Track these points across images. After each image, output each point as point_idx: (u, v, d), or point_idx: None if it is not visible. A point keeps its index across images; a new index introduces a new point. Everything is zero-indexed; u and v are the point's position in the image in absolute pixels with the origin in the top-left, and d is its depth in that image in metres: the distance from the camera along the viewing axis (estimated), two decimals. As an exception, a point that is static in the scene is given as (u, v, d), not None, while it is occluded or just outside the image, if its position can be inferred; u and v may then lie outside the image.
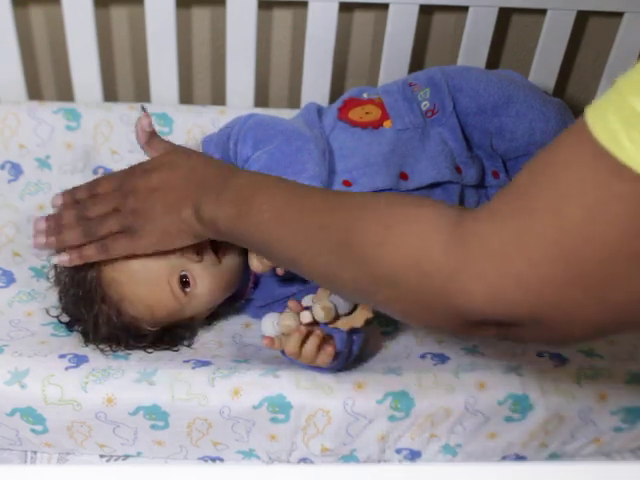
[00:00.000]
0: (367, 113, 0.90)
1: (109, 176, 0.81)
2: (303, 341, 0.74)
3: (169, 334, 0.84)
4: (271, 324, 0.75)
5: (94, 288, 0.80)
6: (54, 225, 0.80)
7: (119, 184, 0.77)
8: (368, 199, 0.62)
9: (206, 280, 0.81)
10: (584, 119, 0.45)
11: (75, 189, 0.82)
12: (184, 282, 0.81)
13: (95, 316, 0.80)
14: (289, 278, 0.84)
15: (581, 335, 0.52)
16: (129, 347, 0.82)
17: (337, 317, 0.75)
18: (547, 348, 0.84)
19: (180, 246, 0.75)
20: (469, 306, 0.49)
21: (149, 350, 0.82)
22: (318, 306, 0.74)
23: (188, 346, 0.85)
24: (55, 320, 0.86)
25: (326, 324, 0.75)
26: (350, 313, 0.76)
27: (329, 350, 0.75)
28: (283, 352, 0.76)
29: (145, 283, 0.79)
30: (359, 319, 0.75)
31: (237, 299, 0.88)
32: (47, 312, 0.86)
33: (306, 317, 0.74)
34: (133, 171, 0.78)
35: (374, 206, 0.59)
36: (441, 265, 0.50)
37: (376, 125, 0.88)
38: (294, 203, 0.64)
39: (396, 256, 0.53)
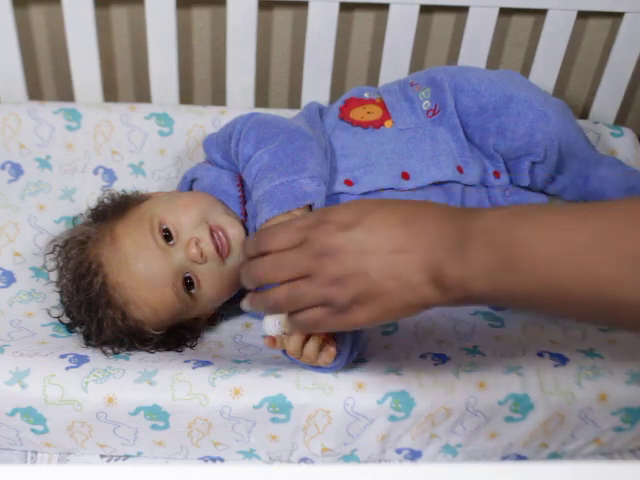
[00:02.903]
0: (368, 113, 0.90)
1: (285, 227, 0.62)
2: (304, 341, 0.74)
3: (173, 336, 0.84)
4: (273, 324, 0.75)
5: (99, 293, 0.80)
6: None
7: (303, 238, 0.60)
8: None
9: (210, 281, 0.81)
10: None
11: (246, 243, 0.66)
12: (189, 283, 0.81)
13: (100, 320, 0.80)
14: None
15: None
16: (132, 349, 0.82)
17: None
18: (548, 348, 0.84)
19: (401, 319, 0.59)
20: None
21: (152, 351, 0.83)
22: None
23: (191, 347, 0.85)
24: (55, 320, 0.86)
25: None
26: None
27: (330, 350, 0.75)
28: (284, 352, 0.76)
29: (150, 286, 0.79)
30: None
31: (240, 299, 0.88)
32: (48, 313, 0.86)
33: None
34: (321, 221, 0.59)
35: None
36: None
37: (377, 125, 0.89)
38: (584, 225, 0.49)
39: None
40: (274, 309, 0.62)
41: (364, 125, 0.89)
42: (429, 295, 0.55)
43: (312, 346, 0.74)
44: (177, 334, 0.85)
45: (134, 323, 0.81)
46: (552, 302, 0.51)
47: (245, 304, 0.66)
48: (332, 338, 0.76)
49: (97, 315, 0.80)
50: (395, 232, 0.55)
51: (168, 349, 0.84)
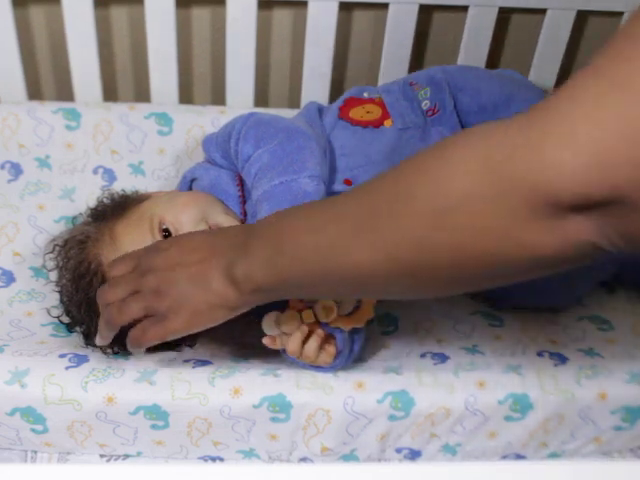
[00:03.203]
0: (368, 112, 0.90)
1: (123, 257, 0.72)
2: (304, 340, 0.74)
3: None
4: (272, 323, 0.75)
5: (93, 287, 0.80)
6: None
7: (135, 264, 0.69)
8: (408, 159, 0.55)
9: None
10: None
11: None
12: None
13: (98, 316, 0.80)
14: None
15: None
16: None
17: (338, 316, 0.75)
18: (548, 348, 0.84)
19: (214, 324, 0.65)
20: (563, 176, 0.42)
21: (150, 350, 0.82)
22: (320, 305, 0.74)
23: (190, 346, 0.85)
24: (55, 320, 0.86)
25: (327, 323, 0.75)
26: (351, 313, 0.76)
27: (330, 350, 0.75)
28: (284, 351, 0.76)
29: None
30: (361, 318, 0.75)
31: None
32: (48, 312, 0.86)
33: (308, 316, 0.74)
34: (149, 249, 0.70)
35: (416, 157, 0.53)
36: (514, 144, 0.44)
37: (377, 124, 0.89)
38: (329, 209, 0.57)
39: (458, 172, 0.47)
40: (110, 323, 0.69)
41: (363, 124, 0.89)
42: (226, 293, 0.61)
43: (312, 345, 0.74)
44: None
45: (132, 323, 0.80)
46: (313, 281, 0.57)
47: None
48: (332, 338, 0.76)
49: (97, 314, 0.80)
50: (199, 245, 0.65)
51: (167, 349, 0.83)
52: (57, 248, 0.87)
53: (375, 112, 0.90)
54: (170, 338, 0.66)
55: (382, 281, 0.55)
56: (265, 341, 0.76)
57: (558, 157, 0.42)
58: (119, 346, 0.82)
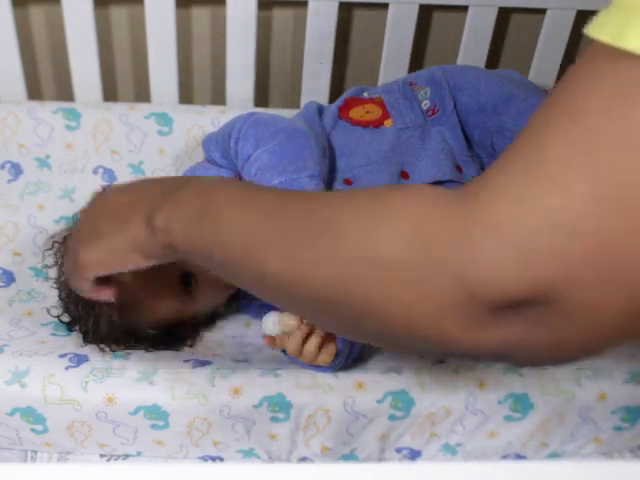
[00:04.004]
0: (368, 112, 0.90)
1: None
2: (304, 340, 0.74)
3: (172, 335, 0.84)
4: (272, 323, 0.75)
5: None
6: None
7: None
8: (352, 192, 0.53)
9: (209, 278, 0.81)
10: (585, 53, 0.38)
11: None
12: (187, 281, 0.81)
13: (96, 317, 0.80)
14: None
15: (624, 311, 0.38)
16: (130, 347, 0.82)
17: None
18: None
19: (126, 268, 0.62)
20: (488, 271, 0.38)
21: (150, 349, 0.82)
22: None
23: (190, 346, 0.85)
24: (55, 320, 0.86)
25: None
26: None
27: (330, 349, 0.75)
28: (284, 351, 0.76)
29: (147, 282, 0.79)
30: None
31: (239, 297, 0.88)
32: (48, 312, 0.86)
33: None
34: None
35: (359, 196, 0.50)
36: (446, 227, 0.41)
37: (377, 124, 0.89)
38: (273, 207, 0.52)
39: (391, 234, 0.43)
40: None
41: (363, 124, 0.89)
42: (142, 239, 0.58)
43: (312, 345, 0.74)
44: (175, 333, 0.85)
45: (129, 320, 0.80)
46: (222, 262, 0.53)
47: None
48: (332, 337, 0.76)
49: (93, 311, 0.80)
50: (133, 188, 0.63)
51: (167, 348, 0.83)
52: (56, 245, 0.87)
53: (375, 112, 0.90)
54: (85, 272, 0.64)
55: (283, 296, 0.52)
56: (265, 341, 0.76)
57: (481, 250, 0.39)
58: (116, 344, 0.82)
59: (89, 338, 0.82)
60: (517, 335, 0.40)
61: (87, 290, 0.66)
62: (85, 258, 0.63)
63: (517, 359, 0.43)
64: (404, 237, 0.42)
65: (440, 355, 0.47)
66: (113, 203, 0.63)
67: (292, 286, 0.49)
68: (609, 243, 0.36)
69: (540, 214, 0.37)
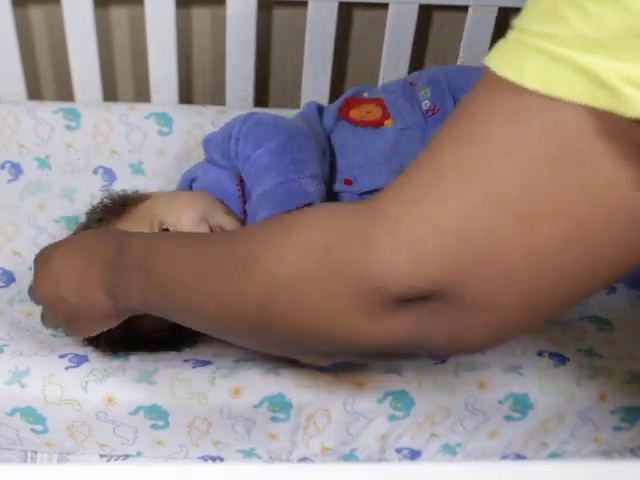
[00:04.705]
0: (368, 112, 0.90)
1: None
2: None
3: (173, 336, 0.84)
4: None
5: None
6: None
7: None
8: (261, 222, 0.60)
9: None
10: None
11: None
12: None
13: None
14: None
15: (512, 306, 0.43)
16: (132, 350, 0.82)
17: None
18: (548, 347, 0.84)
19: (109, 328, 0.69)
20: (386, 269, 0.43)
21: (152, 351, 0.82)
22: None
23: (191, 347, 0.85)
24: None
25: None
26: None
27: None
28: (283, 351, 0.76)
29: None
30: None
31: None
32: None
33: None
34: (37, 264, 0.73)
35: (268, 224, 0.55)
36: (349, 234, 0.45)
37: (377, 124, 0.89)
38: (188, 246, 0.59)
39: (299, 247, 0.48)
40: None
41: (363, 124, 0.89)
42: (108, 308, 0.65)
43: (312, 345, 0.74)
44: (177, 334, 0.85)
45: (132, 323, 0.80)
46: (177, 313, 0.60)
47: None
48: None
49: None
50: (79, 261, 0.67)
51: (168, 349, 0.84)
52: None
53: (375, 112, 0.90)
54: (75, 338, 0.74)
55: (229, 334, 0.58)
56: (265, 341, 0.76)
57: (379, 251, 0.43)
58: (118, 346, 0.82)
59: (93, 343, 0.81)
60: (419, 325, 0.45)
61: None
62: (70, 333, 0.72)
63: (429, 350, 0.47)
64: (311, 249, 0.47)
65: (359, 355, 0.53)
66: (71, 270, 0.67)
67: (228, 320, 0.54)
68: (496, 247, 0.41)
69: (433, 220, 0.42)
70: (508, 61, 0.40)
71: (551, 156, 0.39)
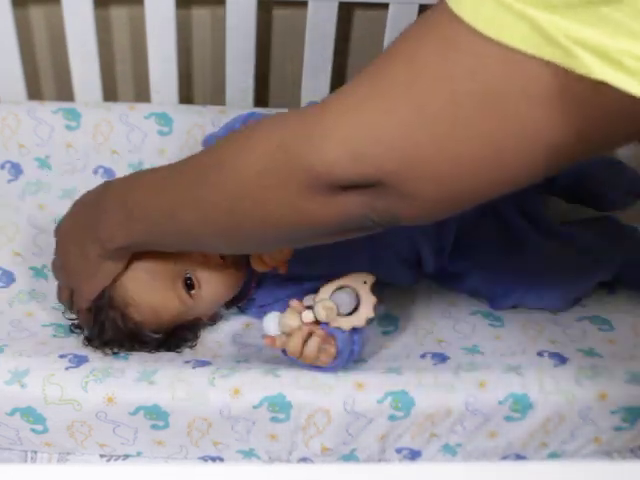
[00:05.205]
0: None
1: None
2: (305, 341, 0.74)
3: (174, 337, 0.84)
4: (273, 323, 0.75)
5: (102, 294, 0.80)
6: None
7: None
8: (224, 137, 0.68)
9: (211, 281, 0.81)
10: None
11: None
12: (189, 284, 0.81)
13: (102, 323, 0.80)
14: (291, 277, 0.84)
15: (436, 198, 0.53)
16: (133, 350, 0.82)
17: (338, 316, 0.75)
18: (548, 348, 0.84)
19: (111, 278, 0.78)
20: (329, 164, 0.52)
21: (152, 352, 0.82)
22: (320, 306, 0.74)
23: (191, 348, 0.85)
24: (56, 321, 0.86)
25: (327, 324, 0.75)
26: (352, 313, 0.76)
27: (330, 350, 0.75)
28: (284, 352, 0.76)
29: (150, 287, 0.79)
30: (361, 319, 0.75)
31: (240, 299, 0.88)
32: (71, 330, 0.85)
33: (308, 317, 0.74)
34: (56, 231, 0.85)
35: (231, 136, 0.65)
36: (300, 134, 0.54)
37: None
38: (166, 176, 0.68)
39: (259, 149, 0.57)
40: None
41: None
42: (101, 256, 0.75)
43: (312, 346, 0.74)
44: (177, 335, 0.85)
45: (133, 325, 0.80)
46: (162, 239, 0.71)
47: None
48: (332, 338, 0.76)
49: (99, 318, 0.80)
50: (76, 226, 0.79)
51: (168, 350, 0.84)
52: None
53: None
54: (88, 302, 0.80)
55: (208, 239, 0.67)
56: (265, 341, 0.76)
57: (325, 147, 0.52)
58: (119, 347, 0.82)
59: (94, 343, 0.81)
60: (363, 205, 0.55)
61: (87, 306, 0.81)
62: (83, 295, 0.80)
63: (372, 223, 0.57)
64: (269, 150, 0.57)
65: (317, 235, 0.63)
66: (70, 234, 0.80)
67: (208, 227, 0.64)
68: (421, 157, 0.50)
69: (369, 125, 0.51)
70: (467, 1, 0.45)
71: (473, 92, 0.46)
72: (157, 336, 0.82)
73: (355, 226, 0.59)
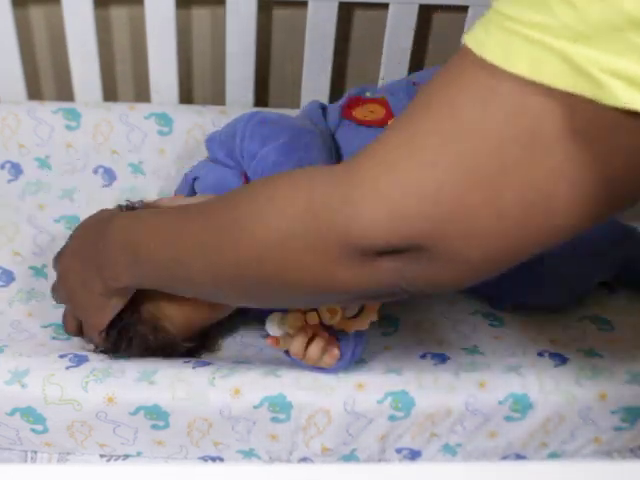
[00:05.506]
0: (371, 112, 0.90)
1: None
2: (308, 342, 0.74)
3: (201, 343, 0.83)
4: (276, 324, 0.75)
5: (130, 312, 0.78)
6: None
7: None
8: (242, 188, 0.65)
9: None
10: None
11: None
12: None
13: (130, 338, 0.79)
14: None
15: (480, 259, 0.48)
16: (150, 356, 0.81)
17: (342, 319, 0.75)
18: (548, 348, 0.84)
19: (115, 312, 0.76)
20: (368, 227, 0.48)
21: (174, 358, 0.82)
22: (324, 308, 0.74)
23: (212, 351, 0.84)
24: (55, 321, 0.86)
25: (331, 326, 0.75)
26: (355, 315, 0.76)
27: (333, 352, 0.75)
28: (286, 352, 0.76)
29: (181, 298, 0.76)
30: (364, 321, 0.75)
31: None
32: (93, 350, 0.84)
33: (312, 318, 0.74)
34: (56, 258, 0.82)
35: (251, 191, 0.59)
36: (331, 196, 0.50)
37: (381, 124, 0.89)
38: (172, 221, 0.64)
39: (284, 212, 0.53)
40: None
41: (367, 124, 0.89)
42: (107, 293, 0.73)
43: (316, 348, 0.74)
44: (204, 340, 0.84)
45: (165, 337, 0.79)
46: (168, 285, 0.67)
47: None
48: (335, 340, 0.76)
49: (127, 335, 0.79)
50: (76, 260, 0.76)
51: (191, 355, 0.82)
52: None
53: (378, 112, 0.90)
54: (99, 332, 0.78)
55: (222, 294, 0.64)
56: (268, 342, 0.76)
57: (360, 210, 0.48)
58: (115, 349, 0.82)
59: (116, 354, 0.80)
60: (397, 272, 0.51)
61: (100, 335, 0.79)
62: (89, 328, 0.79)
63: (405, 292, 0.53)
64: (295, 215, 0.52)
65: (346, 300, 0.61)
66: (73, 269, 0.77)
67: (218, 285, 0.61)
68: (466, 211, 0.46)
69: (409, 185, 0.47)
70: (494, 46, 0.43)
71: (518, 137, 0.43)
72: (189, 344, 0.81)
73: (385, 293, 0.54)
